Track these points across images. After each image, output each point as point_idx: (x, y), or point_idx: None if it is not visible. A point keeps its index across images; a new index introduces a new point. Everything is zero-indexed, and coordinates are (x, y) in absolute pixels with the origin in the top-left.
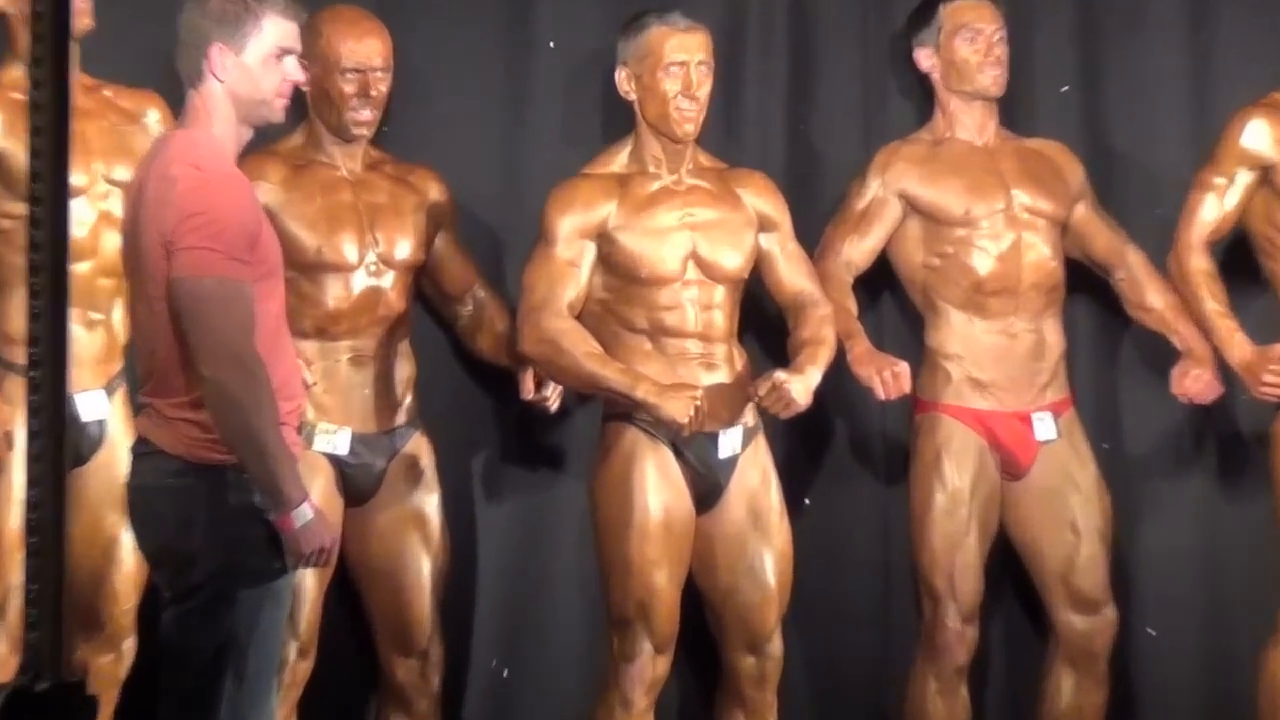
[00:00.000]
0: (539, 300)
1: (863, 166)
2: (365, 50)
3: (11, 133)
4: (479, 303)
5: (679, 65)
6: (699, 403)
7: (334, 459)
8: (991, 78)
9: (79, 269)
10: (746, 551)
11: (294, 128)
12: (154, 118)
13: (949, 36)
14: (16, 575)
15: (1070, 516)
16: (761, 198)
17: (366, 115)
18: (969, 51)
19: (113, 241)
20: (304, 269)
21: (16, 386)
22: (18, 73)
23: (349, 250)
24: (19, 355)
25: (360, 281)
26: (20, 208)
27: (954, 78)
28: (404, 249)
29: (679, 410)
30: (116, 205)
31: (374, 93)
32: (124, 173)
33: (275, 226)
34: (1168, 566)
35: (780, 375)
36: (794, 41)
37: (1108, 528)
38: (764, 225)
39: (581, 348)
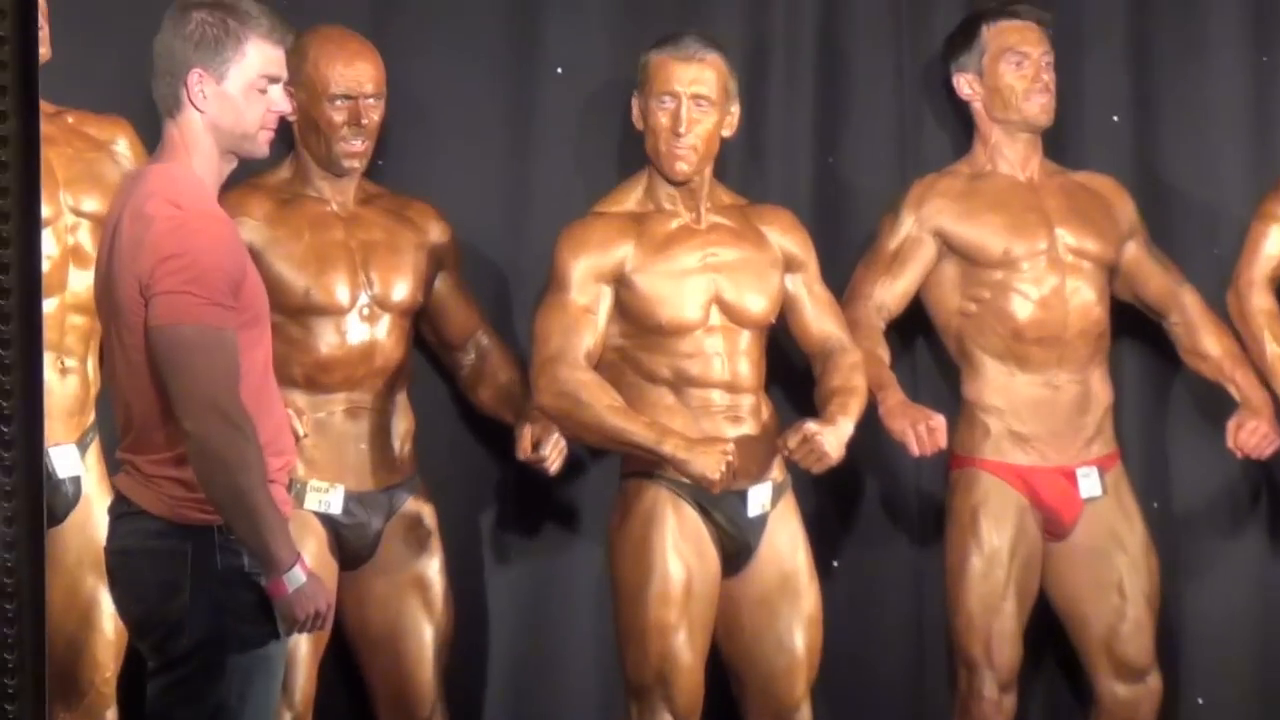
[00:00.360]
0: (554, 351)
1: (895, 201)
2: (355, 75)
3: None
4: (482, 351)
5: (671, 97)
6: (730, 458)
7: (326, 519)
8: (1039, 106)
9: (46, 307)
10: (774, 616)
11: (280, 159)
12: (122, 145)
13: (993, 60)
14: None
15: (1115, 578)
16: (787, 236)
17: (358, 146)
18: (1015, 77)
19: (83, 278)
20: (292, 313)
21: None
22: None
23: (340, 292)
24: None
25: (353, 326)
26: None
27: (997, 106)
28: (401, 291)
29: (709, 466)
30: (85, 238)
31: (365, 121)
32: (92, 203)
33: (260, 267)
34: (1218, 632)
35: (811, 426)
36: (822, 65)
37: (1155, 591)
38: (790, 265)
39: (603, 400)
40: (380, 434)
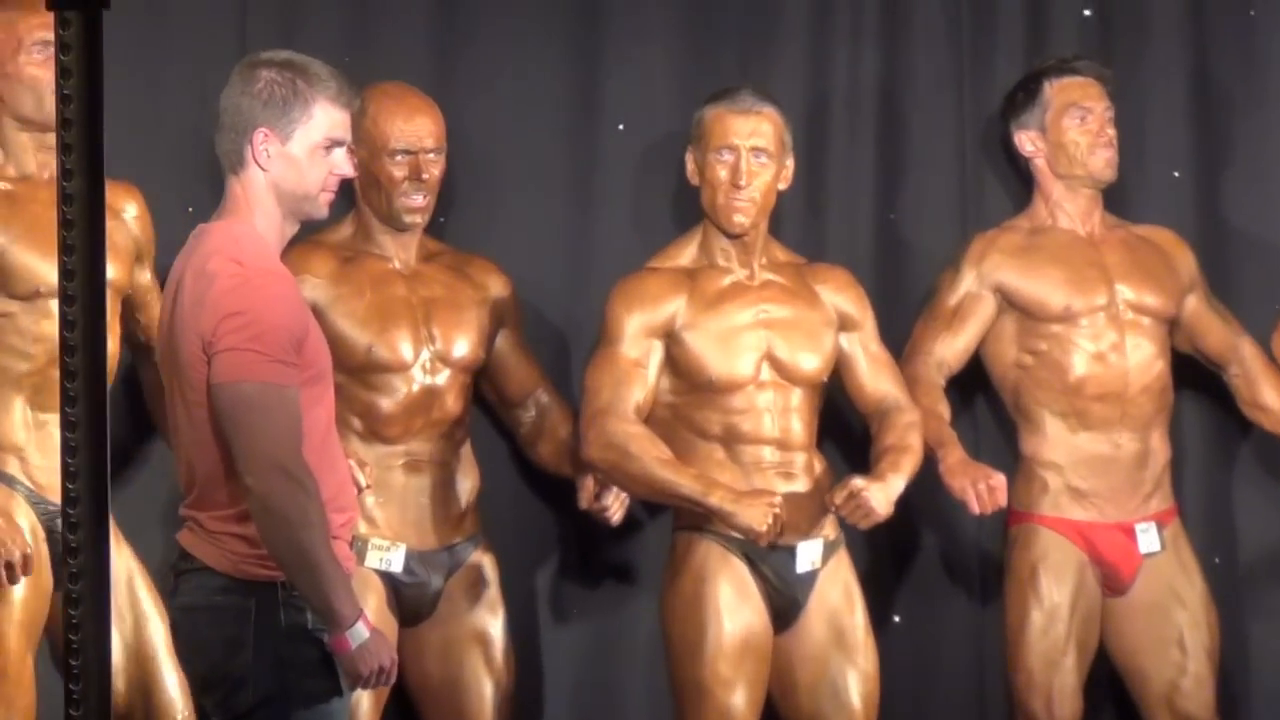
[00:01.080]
0: (604, 404)
1: (956, 257)
2: (415, 130)
3: (4, 230)
4: (542, 408)
5: (729, 150)
6: (777, 510)
7: (386, 576)
8: (1104, 160)
9: None
10: (829, 672)
11: (341, 216)
12: (132, 213)
13: (1056, 116)
14: (22, 699)
15: (1175, 634)
16: (842, 295)
17: (419, 201)
18: (1079, 133)
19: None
20: (354, 370)
21: (3, 496)
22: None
23: (403, 348)
24: (5, 461)
25: (415, 382)
26: (10, 305)
27: (1062, 161)
28: (462, 347)
29: (756, 518)
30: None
31: (426, 176)
32: (108, 271)
33: (323, 324)
34: None
35: (858, 482)
36: (883, 122)
37: (1215, 645)
38: (845, 325)
39: (651, 453)
40: (441, 489)
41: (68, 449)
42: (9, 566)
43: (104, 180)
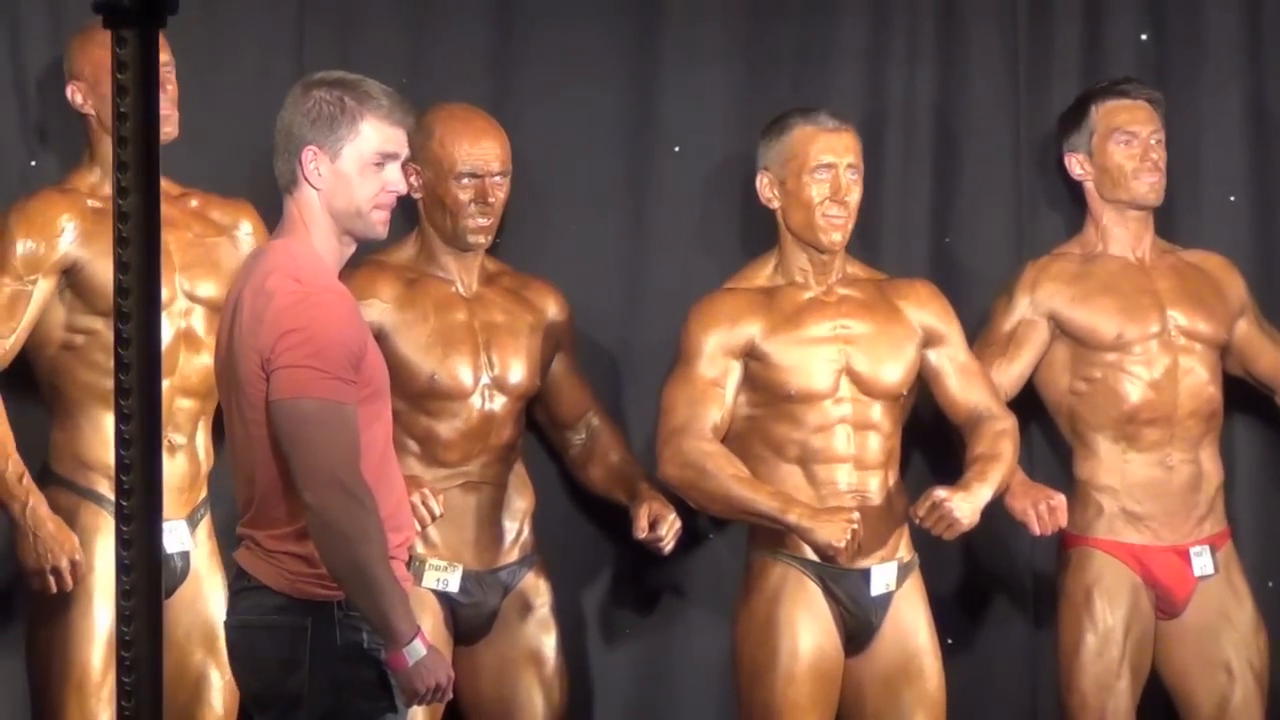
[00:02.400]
0: (680, 422)
1: (1009, 284)
2: (482, 153)
3: (87, 243)
4: (592, 432)
5: (826, 169)
6: (856, 527)
7: (443, 596)
8: (1149, 185)
9: None
10: (896, 697)
11: (405, 235)
12: (246, 230)
13: (1102, 140)
14: (103, 714)
15: (1224, 657)
16: (925, 309)
17: (484, 223)
18: (1124, 156)
19: (193, 363)
20: (414, 397)
21: (93, 516)
22: (94, 178)
23: (464, 376)
24: (97, 482)
25: (473, 409)
26: (95, 322)
27: (1107, 185)
28: (519, 375)
29: (835, 534)
30: (199, 323)
31: (491, 199)
32: (207, 289)
33: (386, 349)
34: None
35: (940, 493)
36: (938, 144)
37: (1264, 668)
38: (930, 340)
39: (728, 470)
40: (497, 510)
41: (121, 466)
42: (55, 572)
43: (159, 198)
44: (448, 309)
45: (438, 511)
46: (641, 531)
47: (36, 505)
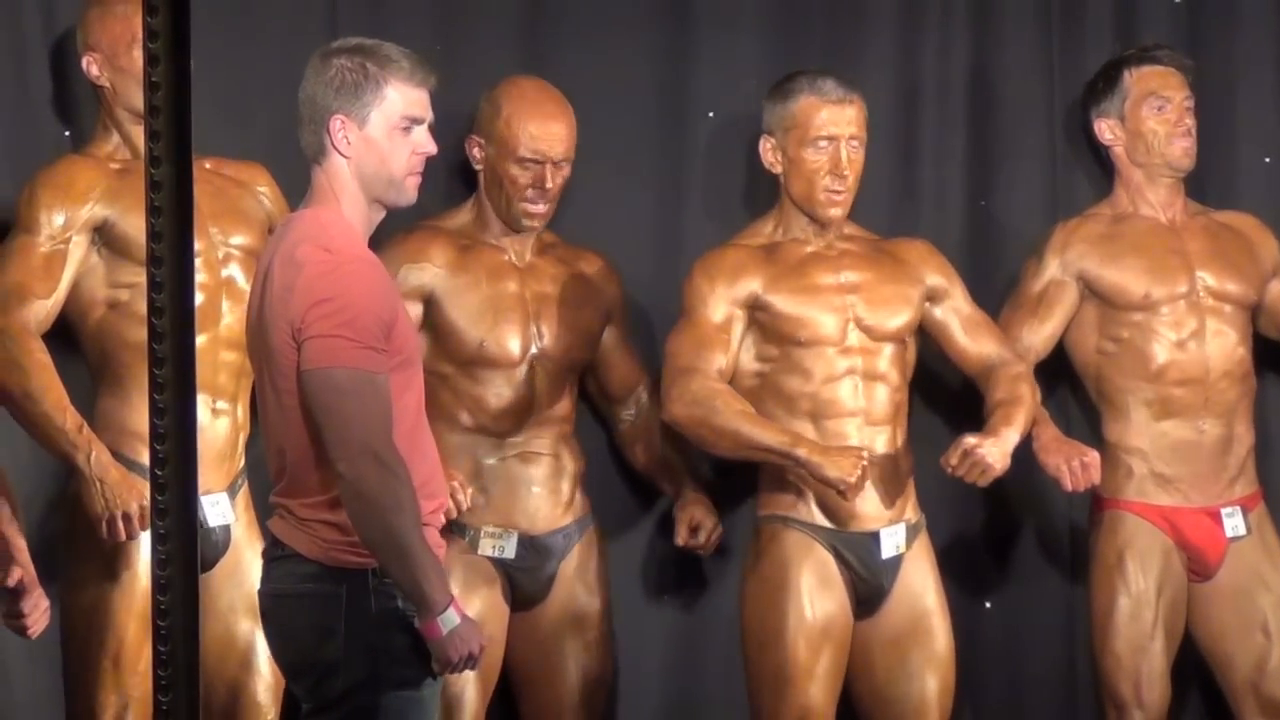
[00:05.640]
0: (686, 363)
1: (1038, 245)
2: (548, 139)
3: (114, 199)
4: (641, 408)
5: (828, 140)
6: (865, 463)
7: (499, 563)
8: (1181, 149)
9: (198, 342)
10: (905, 657)
11: (462, 200)
12: (262, 189)
13: (1135, 106)
14: (139, 688)
15: (1260, 618)
16: (924, 265)
17: (540, 208)
18: (1157, 122)
19: (237, 312)
20: (463, 363)
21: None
22: (110, 147)
23: (512, 345)
24: (144, 453)
25: (522, 377)
26: (137, 274)
27: (1140, 150)
28: (566, 345)
29: (845, 469)
30: (237, 271)
31: (549, 185)
32: (239, 237)
33: (437, 315)
34: None
35: (970, 440)
36: (973, 110)
37: None
38: (933, 295)
39: (735, 407)
40: (553, 478)
41: (156, 435)
42: (126, 519)
43: (191, 168)
44: (499, 277)
45: (465, 505)
46: (682, 539)
47: (99, 454)
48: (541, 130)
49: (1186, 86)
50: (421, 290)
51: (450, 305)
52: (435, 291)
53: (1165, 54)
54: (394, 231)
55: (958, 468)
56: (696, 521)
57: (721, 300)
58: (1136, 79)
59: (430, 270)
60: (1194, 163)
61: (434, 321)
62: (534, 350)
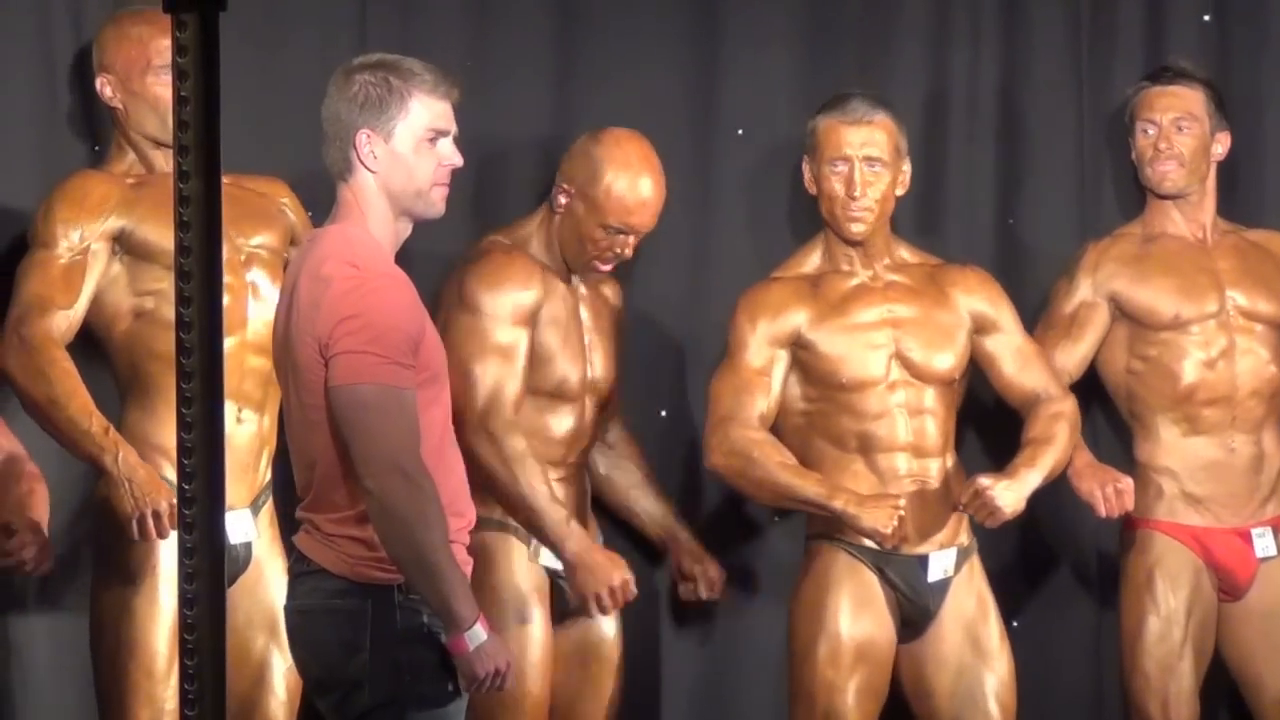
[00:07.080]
0: (726, 411)
1: (1070, 265)
2: (641, 214)
3: (130, 208)
4: (612, 441)
5: (843, 162)
6: (902, 512)
7: (556, 575)
8: (1160, 173)
9: (225, 345)
10: (966, 679)
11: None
12: (283, 202)
13: (1134, 128)
14: (173, 700)
15: None
16: (975, 295)
17: (607, 270)
18: (1143, 144)
19: (262, 315)
20: (536, 394)
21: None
22: (124, 166)
23: (573, 377)
24: (169, 470)
25: (583, 410)
26: (161, 280)
27: (1140, 173)
28: (606, 374)
29: (881, 520)
30: (261, 274)
31: (626, 253)
32: (260, 238)
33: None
34: None
35: (983, 481)
36: (1002, 126)
37: None
38: (982, 327)
39: (775, 458)
40: (585, 497)
41: (183, 449)
42: (156, 517)
43: (220, 183)
44: (568, 310)
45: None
46: (685, 595)
47: (126, 454)
48: (637, 205)
49: (1184, 106)
50: (523, 312)
51: (541, 335)
52: (535, 318)
53: (1170, 74)
54: (490, 252)
55: (968, 506)
56: (689, 576)
57: (763, 341)
58: (1138, 101)
59: (534, 295)
60: (1178, 187)
61: (529, 348)
62: (589, 379)
